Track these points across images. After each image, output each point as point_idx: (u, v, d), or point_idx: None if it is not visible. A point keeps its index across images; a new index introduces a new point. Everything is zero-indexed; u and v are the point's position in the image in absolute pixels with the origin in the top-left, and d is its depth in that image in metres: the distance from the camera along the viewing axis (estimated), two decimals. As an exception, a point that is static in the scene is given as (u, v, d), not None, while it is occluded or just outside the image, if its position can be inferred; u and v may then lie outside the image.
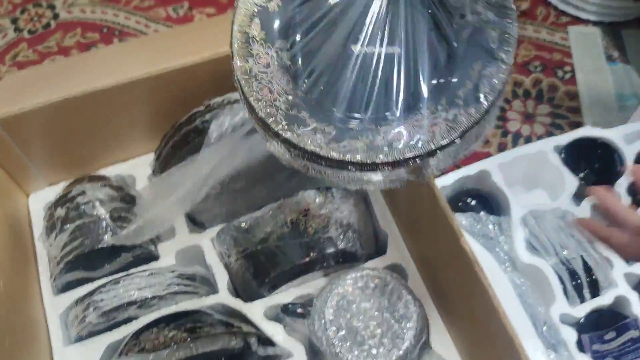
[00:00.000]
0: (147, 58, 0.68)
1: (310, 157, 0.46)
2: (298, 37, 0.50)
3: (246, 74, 0.48)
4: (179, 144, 0.66)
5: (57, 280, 0.65)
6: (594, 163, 0.79)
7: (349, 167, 0.46)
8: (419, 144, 0.45)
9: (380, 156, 0.45)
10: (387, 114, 0.48)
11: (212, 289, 0.67)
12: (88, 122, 0.69)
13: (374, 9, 0.50)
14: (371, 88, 0.50)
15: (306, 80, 0.49)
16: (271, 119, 0.46)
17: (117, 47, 0.79)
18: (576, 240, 0.72)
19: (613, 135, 0.79)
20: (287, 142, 0.46)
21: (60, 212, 0.65)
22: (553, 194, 0.78)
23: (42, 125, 0.66)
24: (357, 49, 0.49)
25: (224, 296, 0.66)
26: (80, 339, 0.64)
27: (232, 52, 0.48)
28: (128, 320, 0.64)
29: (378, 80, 0.50)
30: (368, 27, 0.50)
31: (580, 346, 0.67)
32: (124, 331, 0.63)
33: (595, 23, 1.04)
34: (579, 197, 0.75)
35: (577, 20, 1.05)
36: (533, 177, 0.80)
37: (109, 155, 0.75)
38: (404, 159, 0.45)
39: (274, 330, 0.64)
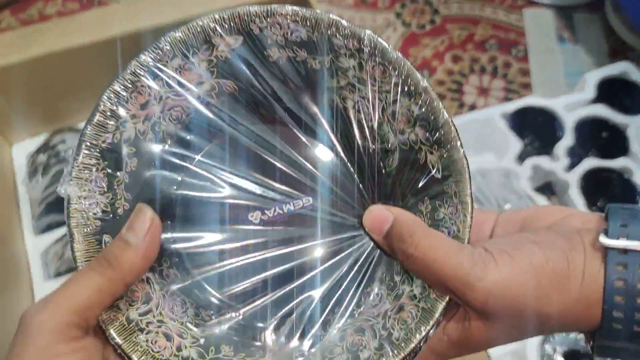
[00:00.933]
0: (124, 20, 0.72)
1: None
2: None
3: (123, 328, 0.31)
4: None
5: (39, 221, 0.70)
6: (537, 129, 0.86)
7: None
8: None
9: None
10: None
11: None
12: (68, 78, 0.73)
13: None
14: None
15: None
16: None
17: (97, 11, 0.83)
18: (518, 195, 0.79)
19: (554, 104, 0.86)
20: None
21: (42, 158, 0.70)
22: (499, 155, 0.85)
23: (25, 79, 0.71)
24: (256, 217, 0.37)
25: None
26: (59, 274, 0.68)
27: None
28: (103, 257, 0.69)
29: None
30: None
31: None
32: (100, 267, 0.68)
33: (548, 6, 1.11)
34: (522, 158, 0.82)
35: (532, 4, 1.12)
36: (482, 141, 0.87)
37: (87, 110, 0.79)
38: None
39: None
